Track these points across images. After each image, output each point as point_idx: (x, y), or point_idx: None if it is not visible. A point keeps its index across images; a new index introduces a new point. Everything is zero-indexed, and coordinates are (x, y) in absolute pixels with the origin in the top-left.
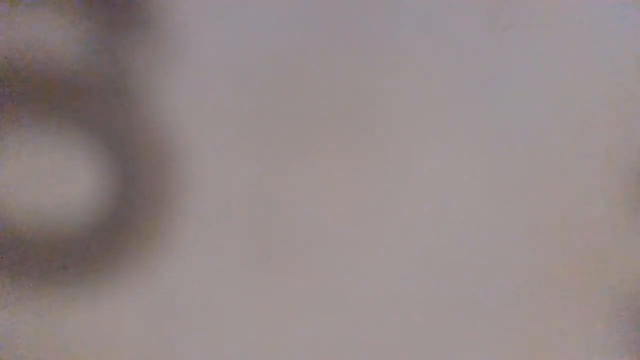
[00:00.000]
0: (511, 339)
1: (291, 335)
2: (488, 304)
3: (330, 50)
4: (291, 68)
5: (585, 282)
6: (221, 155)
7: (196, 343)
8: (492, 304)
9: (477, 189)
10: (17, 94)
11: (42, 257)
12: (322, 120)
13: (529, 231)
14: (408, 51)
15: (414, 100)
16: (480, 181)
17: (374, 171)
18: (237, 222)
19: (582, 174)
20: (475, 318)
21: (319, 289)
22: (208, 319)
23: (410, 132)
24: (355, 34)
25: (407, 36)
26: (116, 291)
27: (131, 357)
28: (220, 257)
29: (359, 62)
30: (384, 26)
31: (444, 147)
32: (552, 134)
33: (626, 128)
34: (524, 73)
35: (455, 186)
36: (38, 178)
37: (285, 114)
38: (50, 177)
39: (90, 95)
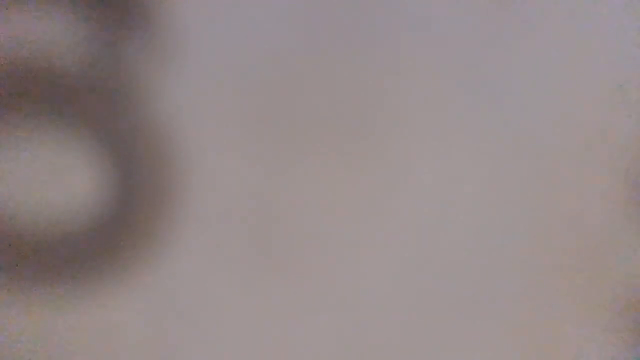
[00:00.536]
0: (511, 339)
1: (291, 335)
2: (488, 304)
3: (330, 50)
4: (291, 68)
5: (585, 282)
6: (221, 155)
7: (196, 343)
8: (492, 304)
9: (476, 189)
10: (17, 94)
11: (42, 257)
12: (322, 121)
13: (529, 231)
14: (408, 51)
15: (414, 101)
16: (479, 181)
17: (374, 171)
18: (237, 222)
19: (582, 174)
20: (475, 318)
21: (319, 289)
22: (208, 319)
23: (411, 132)
24: (355, 34)
25: (407, 36)
26: (116, 291)
27: (131, 357)
28: (220, 257)
29: (359, 62)
30: (384, 26)
31: (443, 147)
32: (552, 134)
33: (626, 128)
34: (523, 73)
35: (455, 186)
36: (38, 178)
37: (285, 114)
38: (50, 177)
39: (91, 95)
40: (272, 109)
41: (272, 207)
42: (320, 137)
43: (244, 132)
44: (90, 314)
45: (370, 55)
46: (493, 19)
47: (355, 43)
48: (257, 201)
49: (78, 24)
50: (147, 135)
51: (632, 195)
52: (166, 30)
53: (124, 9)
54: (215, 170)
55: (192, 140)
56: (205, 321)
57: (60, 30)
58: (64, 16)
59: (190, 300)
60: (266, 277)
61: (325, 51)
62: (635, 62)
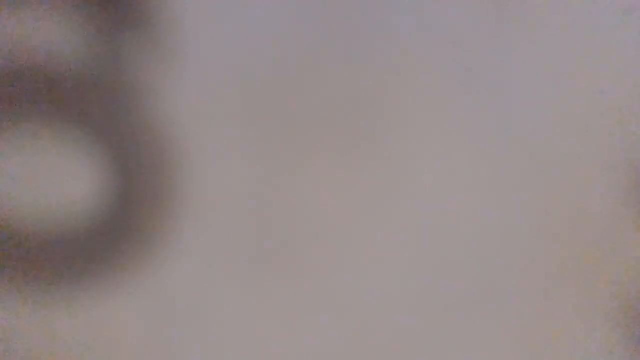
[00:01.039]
0: (511, 338)
1: (291, 335)
2: (488, 303)
3: (330, 50)
4: (291, 68)
5: (585, 281)
6: (221, 155)
7: (196, 343)
8: (492, 304)
9: (477, 189)
10: (18, 94)
11: (42, 257)
12: (322, 121)
13: (529, 231)
14: (408, 51)
15: (415, 101)
16: (480, 181)
17: (375, 171)
18: (237, 222)
19: (582, 173)
20: (476, 318)
21: (319, 289)
22: (208, 319)
23: (411, 133)
24: (355, 35)
25: (407, 36)
26: (116, 291)
27: (131, 357)
28: (220, 258)
29: (359, 62)
30: (384, 27)
31: (444, 147)
32: (552, 134)
33: (626, 127)
34: (523, 74)
35: (455, 187)
36: (38, 178)
37: (285, 114)
38: (50, 177)
39: (91, 95)
40: (272, 109)
41: (272, 207)
42: (321, 137)
43: (244, 132)
44: (90, 314)
45: (371, 56)
46: (493, 20)
47: (355, 43)
48: (257, 201)
49: (78, 24)
50: (147, 135)
51: (632, 195)
52: (166, 30)
53: (124, 9)
54: (216, 171)
55: (192, 140)
56: (205, 321)
57: (61, 30)
58: (65, 16)
59: (190, 301)
60: (266, 277)
61: (326, 52)
62: (635, 63)
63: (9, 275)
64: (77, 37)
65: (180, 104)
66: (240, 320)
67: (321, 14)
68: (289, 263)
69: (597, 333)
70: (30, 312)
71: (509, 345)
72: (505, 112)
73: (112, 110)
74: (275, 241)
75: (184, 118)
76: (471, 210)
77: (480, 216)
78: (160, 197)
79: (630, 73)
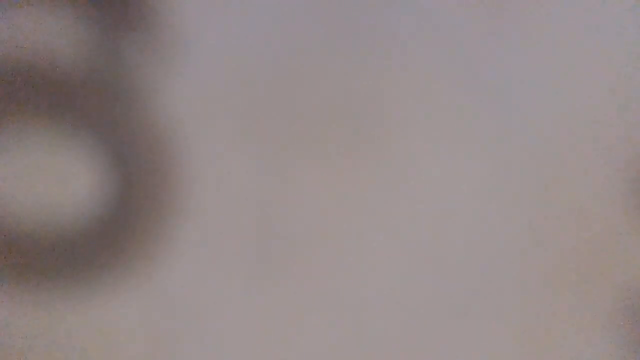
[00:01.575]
0: (511, 339)
1: (291, 335)
2: (488, 303)
3: (330, 50)
4: (291, 68)
5: (585, 282)
6: (221, 155)
7: (196, 343)
8: (492, 303)
9: (476, 189)
10: (18, 94)
11: (42, 256)
12: (323, 121)
13: (529, 231)
14: (408, 51)
15: (415, 101)
16: (480, 181)
17: (375, 171)
18: (237, 222)
19: (582, 173)
20: (475, 318)
21: (319, 289)
22: (208, 319)
23: (411, 132)
24: (355, 35)
25: (407, 36)
26: (116, 291)
27: (131, 357)
28: (220, 257)
29: (360, 62)
30: (384, 26)
31: (444, 147)
32: (552, 134)
33: (626, 127)
34: (524, 73)
35: (456, 187)
36: (38, 178)
37: (285, 114)
38: (50, 177)
39: (91, 95)
40: (272, 109)
41: (272, 207)
42: (321, 137)
43: (244, 131)
44: (90, 314)
45: (371, 56)
46: (493, 19)
47: (355, 43)
48: (257, 201)
49: (78, 24)
50: (147, 135)
51: (632, 195)
52: (166, 30)
53: (124, 9)
54: (215, 170)
55: (192, 139)
56: (205, 321)
57: (60, 30)
58: (64, 16)
59: (190, 301)
60: (266, 277)
61: (326, 52)
62: (635, 62)
63: (9, 275)
64: (77, 37)
65: (180, 104)
66: (240, 321)
67: (321, 14)
68: (289, 263)
69: (597, 333)
70: (30, 312)
71: (509, 345)
72: (505, 112)
73: (112, 110)
74: (276, 241)
75: (184, 118)
76: (471, 210)
77: (480, 216)
78: (160, 197)
79: (630, 73)
